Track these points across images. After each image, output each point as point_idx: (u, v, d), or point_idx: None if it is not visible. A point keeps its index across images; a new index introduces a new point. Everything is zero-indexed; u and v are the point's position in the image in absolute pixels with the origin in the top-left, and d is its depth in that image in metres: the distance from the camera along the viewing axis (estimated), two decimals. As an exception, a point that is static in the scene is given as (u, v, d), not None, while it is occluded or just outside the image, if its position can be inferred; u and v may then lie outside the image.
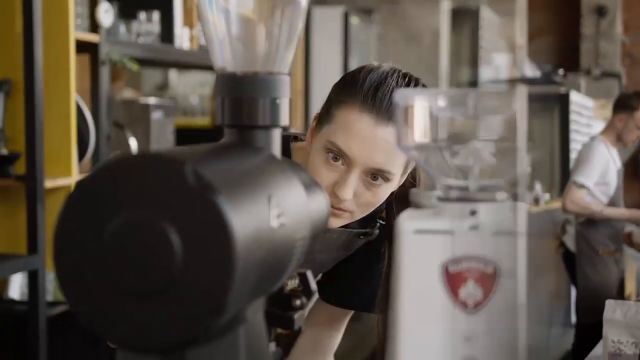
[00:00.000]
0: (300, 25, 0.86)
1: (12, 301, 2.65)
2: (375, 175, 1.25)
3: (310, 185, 0.87)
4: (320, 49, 4.99)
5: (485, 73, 5.19)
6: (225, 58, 0.83)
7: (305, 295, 0.89)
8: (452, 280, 0.68)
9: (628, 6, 9.55)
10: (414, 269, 0.69)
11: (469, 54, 7.21)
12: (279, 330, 0.90)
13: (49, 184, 2.39)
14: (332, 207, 1.26)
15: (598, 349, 2.16)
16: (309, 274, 0.87)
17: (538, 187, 6.24)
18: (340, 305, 1.52)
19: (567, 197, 4.34)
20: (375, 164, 1.24)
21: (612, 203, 4.39)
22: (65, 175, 2.46)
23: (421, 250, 0.69)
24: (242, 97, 0.81)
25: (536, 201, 5.76)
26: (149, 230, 0.61)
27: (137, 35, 2.92)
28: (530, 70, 5.52)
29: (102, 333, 0.63)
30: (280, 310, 0.86)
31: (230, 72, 0.83)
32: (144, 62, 3.17)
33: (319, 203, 0.87)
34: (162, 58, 3.12)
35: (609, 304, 2.01)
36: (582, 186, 4.27)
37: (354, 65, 6.13)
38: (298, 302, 0.87)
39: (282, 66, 0.84)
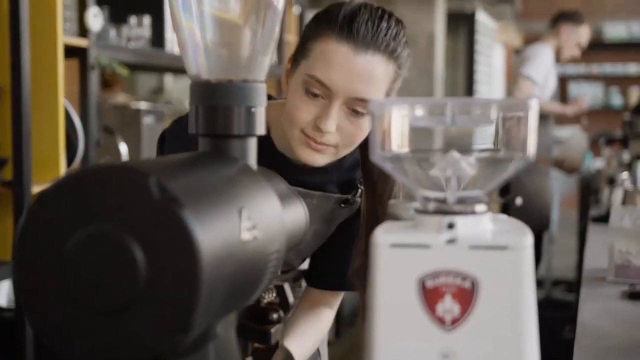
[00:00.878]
0: (277, 31, 0.84)
1: (0, 308, 2.63)
2: (357, 109, 1.24)
3: (288, 195, 0.85)
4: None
5: None
6: (199, 65, 0.81)
7: (283, 308, 0.86)
8: (429, 295, 0.66)
9: None
10: (389, 284, 0.67)
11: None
12: (256, 344, 0.88)
13: (36, 189, 2.36)
14: (315, 141, 1.25)
15: (602, 262, 1.99)
16: (286, 287, 0.85)
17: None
18: (330, 289, 1.51)
19: (516, 89, 4.40)
20: (357, 93, 1.23)
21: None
22: (54, 180, 2.43)
23: (397, 264, 0.67)
24: (216, 105, 0.79)
25: None
26: (112, 245, 0.59)
27: (128, 40, 2.90)
28: None
29: (64, 351, 0.61)
30: (256, 324, 0.84)
31: (204, 80, 0.80)
32: (134, 67, 3.14)
33: (295, 214, 0.84)
34: (153, 63, 3.10)
35: (616, 210, 1.90)
36: (531, 79, 4.34)
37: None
38: (275, 315, 0.85)
39: (258, 74, 0.82)
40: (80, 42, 2.58)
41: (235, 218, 0.66)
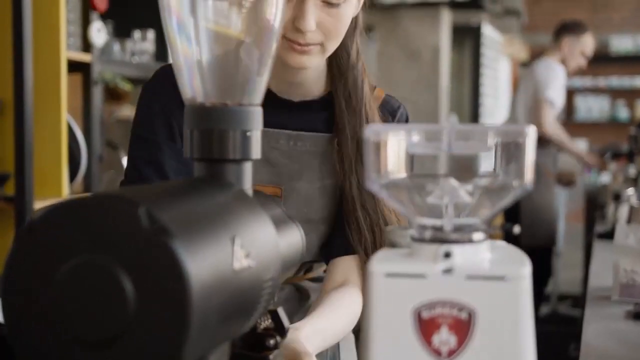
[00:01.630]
0: (274, 49, 0.83)
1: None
2: (331, 0, 1.21)
3: (283, 220, 0.84)
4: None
5: None
6: (194, 88, 0.80)
7: (279, 333, 0.85)
8: (425, 326, 0.65)
9: None
10: (385, 314, 0.66)
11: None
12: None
13: (38, 205, 2.35)
14: (299, 44, 1.22)
15: (607, 280, 1.96)
16: (281, 311, 0.84)
17: (454, 119, 6.23)
18: (350, 251, 1.34)
19: (543, 116, 4.35)
20: None
21: None
22: (56, 196, 2.42)
23: (393, 294, 0.66)
24: (211, 129, 0.78)
25: None
26: (101, 275, 0.58)
27: (132, 54, 2.89)
28: None
29: (51, 383, 0.60)
30: (253, 352, 0.82)
31: (199, 103, 0.79)
32: (138, 81, 3.14)
33: (291, 239, 0.83)
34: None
35: (621, 228, 1.87)
36: (553, 104, 4.33)
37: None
38: (272, 341, 0.83)
39: (253, 97, 0.81)
40: (84, 57, 2.58)
41: (228, 247, 0.65)
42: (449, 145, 0.68)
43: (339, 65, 1.34)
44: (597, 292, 1.96)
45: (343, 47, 1.32)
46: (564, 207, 6.05)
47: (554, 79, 4.35)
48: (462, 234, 0.67)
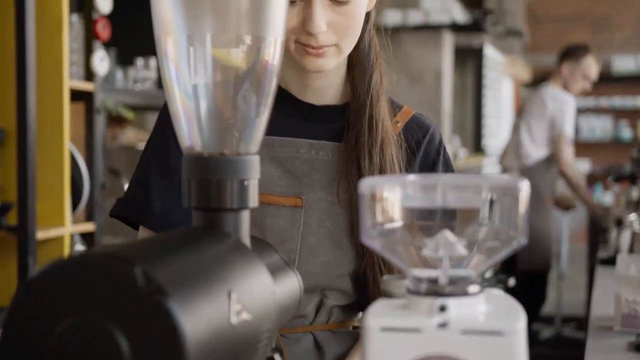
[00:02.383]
0: (272, 93, 0.84)
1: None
2: None
3: (280, 267, 0.84)
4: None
5: (413, 17, 5.16)
6: (192, 137, 0.81)
7: (277, 380, 0.85)
8: (421, 381, 0.65)
9: None
10: (381, 368, 0.66)
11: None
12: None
13: (41, 235, 2.36)
14: (313, 47, 1.17)
15: (609, 309, 1.94)
16: (277, 358, 0.84)
17: (457, 141, 6.22)
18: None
19: (563, 156, 4.38)
20: None
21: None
22: (59, 225, 2.43)
23: (388, 348, 0.66)
24: (209, 179, 0.79)
25: (454, 157, 5.77)
26: (97, 335, 0.58)
27: (134, 82, 2.91)
28: (460, 15, 5.49)
29: None
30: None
31: (197, 153, 0.80)
32: (140, 109, 3.16)
33: (288, 287, 0.84)
34: (159, 104, 3.11)
35: (622, 258, 1.87)
36: (569, 138, 4.36)
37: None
38: (269, 388, 0.84)
39: (251, 145, 0.82)
40: (87, 85, 2.59)
41: (224, 302, 0.65)
42: (443, 198, 0.68)
43: (354, 67, 1.28)
44: (599, 322, 1.96)
45: (357, 48, 1.26)
46: (567, 228, 6.04)
47: (568, 113, 4.38)
48: (457, 287, 0.68)
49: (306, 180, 1.24)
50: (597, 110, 10.00)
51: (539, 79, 10.01)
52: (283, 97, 1.28)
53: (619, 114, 9.95)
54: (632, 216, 3.13)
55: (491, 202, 0.69)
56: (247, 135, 0.81)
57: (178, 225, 1.18)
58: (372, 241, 0.69)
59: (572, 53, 4.50)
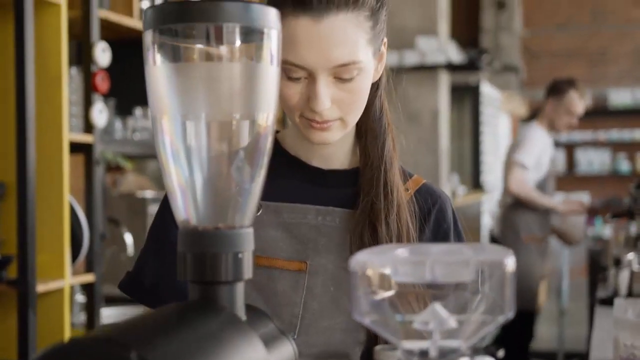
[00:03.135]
0: (264, 173, 0.86)
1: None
2: (343, 77, 1.15)
3: (275, 336, 0.85)
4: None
5: (410, 58, 5.20)
6: (187, 212, 0.83)
7: None
8: None
9: (528, 0, 9.82)
10: None
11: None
12: None
13: (41, 287, 2.37)
14: (317, 122, 1.17)
15: (608, 351, 1.94)
16: None
17: (455, 179, 6.22)
18: None
19: (511, 177, 4.37)
20: (335, 61, 1.13)
21: (539, 188, 4.47)
22: (59, 277, 2.44)
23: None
24: (204, 253, 0.80)
25: (453, 194, 5.77)
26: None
27: (133, 131, 2.94)
28: (455, 55, 5.53)
29: None
30: None
31: (192, 227, 0.82)
32: (139, 158, 3.19)
33: (283, 355, 0.85)
34: (158, 153, 3.14)
35: (619, 303, 1.86)
36: (523, 166, 4.33)
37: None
38: None
39: (245, 218, 0.83)
40: (86, 138, 2.62)
41: (219, 380, 0.66)
42: (432, 273, 0.70)
43: (366, 134, 1.28)
44: (599, 366, 1.96)
45: (367, 114, 1.26)
46: (567, 263, 6.04)
47: (529, 141, 4.41)
48: (448, 359, 0.69)
49: (312, 245, 1.24)
50: (595, 144, 10.04)
51: (536, 114, 10.06)
52: (292, 163, 1.29)
53: (616, 147, 10.00)
54: (630, 255, 3.13)
55: (480, 276, 0.71)
56: (241, 208, 0.83)
57: (169, 301, 1.20)
58: (363, 316, 0.71)
59: (555, 89, 4.54)
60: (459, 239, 1.31)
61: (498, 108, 8.15)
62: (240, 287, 0.82)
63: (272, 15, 0.81)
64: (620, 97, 9.88)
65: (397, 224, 1.22)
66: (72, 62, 2.75)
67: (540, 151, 4.43)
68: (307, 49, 1.13)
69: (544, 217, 4.48)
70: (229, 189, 0.83)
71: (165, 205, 1.29)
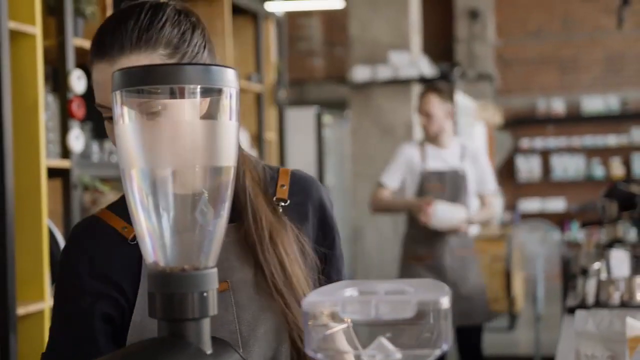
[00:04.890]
0: (225, 218, 0.93)
1: None
2: (154, 111, 1.12)
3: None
4: (296, 148, 5.11)
5: (382, 72, 5.21)
6: (156, 254, 0.90)
7: None
8: None
9: (500, 10, 9.99)
10: None
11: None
12: None
13: (21, 310, 2.43)
14: None
15: None
16: None
17: None
18: None
19: (370, 199, 4.19)
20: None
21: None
22: (38, 300, 2.50)
23: None
24: (172, 293, 0.88)
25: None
26: None
27: (110, 154, 3.01)
28: (428, 69, 5.56)
29: None
30: None
31: (160, 269, 0.89)
32: (116, 180, 3.25)
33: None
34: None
35: (580, 314, 1.92)
36: (381, 185, 4.11)
37: (329, 161, 6.30)
38: None
39: (209, 260, 0.91)
40: (63, 163, 2.68)
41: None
42: (377, 311, 0.78)
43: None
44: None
45: None
46: (542, 270, 6.15)
47: (392, 162, 4.16)
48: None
49: (226, 264, 1.27)
50: (570, 150, 10.20)
51: (511, 122, 10.26)
52: None
53: (590, 152, 10.16)
54: (597, 264, 3.21)
55: (420, 313, 0.79)
56: (205, 249, 0.91)
57: None
58: (316, 351, 0.79)
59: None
60: (332, 227, 1.36)
61: (473, 117, 8.26)
62: (206, 323, 0.89)
63: (230, 75, 0.88)
64: (593, 103, 10.04)
65: (273, 248, 1.27)
66: (48, 90, 2.81)
67: (404, 168, 4.12)
68: (104, 90, 1.19)
69: (423, 234, 4.11)
70: (193, 232, 0.91)
71: (68, 271, 1.28)
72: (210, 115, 0.89)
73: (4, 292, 2.38)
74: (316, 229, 1.35)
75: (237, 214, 1.29)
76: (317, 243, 1.34)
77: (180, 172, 0.88)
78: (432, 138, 4.10)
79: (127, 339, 1.25)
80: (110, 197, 3.90)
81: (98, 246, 1.26)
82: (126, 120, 0.88)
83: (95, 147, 2.97)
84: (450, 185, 4.07)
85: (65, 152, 2.68)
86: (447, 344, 0.78)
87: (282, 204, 1.31)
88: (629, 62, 9.97)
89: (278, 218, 1.29)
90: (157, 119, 1.00)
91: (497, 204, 4.18)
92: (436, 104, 4.01)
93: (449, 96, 4.09)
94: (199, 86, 0.87)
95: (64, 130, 2.68)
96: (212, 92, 0.89)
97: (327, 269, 1.35)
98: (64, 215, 2.68)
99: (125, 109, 0.88)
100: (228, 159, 0.90)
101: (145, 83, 0.87)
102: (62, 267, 1.29)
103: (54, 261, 2.58)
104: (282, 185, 1.34)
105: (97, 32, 1.22)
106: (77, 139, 2.68)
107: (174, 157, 0.88)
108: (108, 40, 1.18)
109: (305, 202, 1.34)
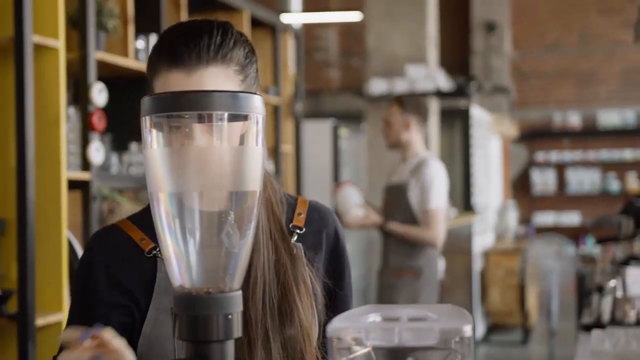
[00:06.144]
0: (250, 240, 0.94)
1: None
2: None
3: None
4: (312, 160, 5.12)
5: (400, 85, 5.22)
6: (182, 277, 0.92)
7: None
8: None
9: (517, 22, 9.96)
10: None
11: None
12: None
13: (40, 321, 2.45)
14: None
15: None
16: None
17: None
18: None
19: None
20: None
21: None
22: (57, 311, 2.52)
23: None
24: (197, 315, 0.89)
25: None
26: None
27: (128, 166, 3.03)
28: (444, 82, 5.56)
29: None
30: None
31: (186, 291, 0.91)
32: (135, 192, 3.28)
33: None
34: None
35: (596, 334, 1.93)
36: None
37: (344, 173, 6.31)
38: None
39: (233, 283, 0.92)
40: (83, 175, 2.71)
41: None
42: (400, 339, 0.79)
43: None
44: (581, 395, 2.04)
45: None
46: (557, 284, 6.13)
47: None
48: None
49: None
50: (585, 164, 10.16)
51: (527, 135, 10.24)
52: None
53: (606, 166, 10.12)
54: (613, 282, 3.20)
55: (443, 340, 0.80)
56: (230, 272, 0.92)
57: None
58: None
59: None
60: (343, 258, 1.37)
61: (488, 130, 8.26)
62: (230, 345, 0.91)
63: (257, 102, 0.90)
64: (609, 117, 10.01)
65: (277, 275, 1.27)
66: (69, 102, 2.84)
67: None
68: None
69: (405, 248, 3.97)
70: (219, 255, 0.92)
71: (85, 275, 1.29)
72: (237, 141, 0.91)
73: (24, 302, 2.40)
74: (327, 261, 1.36)
75: None
76: (327, 276, 1.34)
77: (207, 196, 0.90)
78: (390, 147, 4.09)
79: (137, 348, 1.26)
80: (127, 207, 3.93)
81: (114, 255, 1.28)
82: (154, 145, 0.90)
83: (114, 159, 3.00)
84: (391, 198, 4.00)
85: (86, 164, 2.71)
86: (470, 373, 0.79)
87: (298, 231, 1.32)
88: (646, 77, 9.94)
89: (288, 245, 1.30)
90: (184, 144, 1.01)
91: (437, 226, 3.82)
92: (395, 113, 3.99)
93: (412, 110, 4.02)
94: (226, 112, 0.89)
95: (85, 143, 2.71)
96: (239, 118, 0.90)
97: (334, 305, 1.34)
98: (83, 226, 2.71)
99: (154, 134, 0.90)
100: (254, 184, 0.91)
101: (174, 109, 0.89)
102: (78, 274, 1.31)
103: (73, 272, 2.60)
104: (299, 214, 1.35)
105: (164, 42, 1.24)
106: (97, 151, 2.71)
107: (201, 181, 0.90)
108: (184, 50, 1.21)
109: (320, 232, 1.36)
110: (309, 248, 1.33)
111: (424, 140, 4.09)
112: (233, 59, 1.23)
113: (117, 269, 1.27)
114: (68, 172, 2.60)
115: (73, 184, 2.68)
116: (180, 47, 1.21)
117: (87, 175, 2.71)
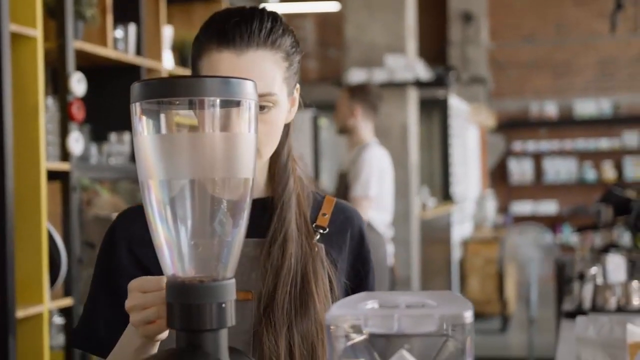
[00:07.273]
0: (244, 229, 0.93)
1: None
2: (260, 105, 1.20)
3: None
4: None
5: (379, 75, 5.25)
6: (174, 266, 0.90)
7: None
8: None
9: (494, 14, 10.02)
10: None
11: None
12: None
13: (20, 313, 2.42)
14: None
15: None
16: None
17: (426, 191, 6.31)
18: None
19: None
20: None
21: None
22: (37, 303, 2.49)
23: None
24: (190, 304, 0.88)
25: (424, 207, 5.74)
26: None
27: (108, 156, 3.00)
28: (423, 72, 5.59)
29: None
30: None
31: (179, 281, 0.89)
32: (114, 183, 3.25)
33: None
34: (133, 177, 3.20)
35: (581, 320, 1.93)
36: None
37: (325, 164, 6.31)
38: None
39: (227, 271, 0.91)
40: (63, 166, 2.67)
41: None
42: (399, 325, 0.78)
43: (272, 169, 1.34)
44: (562, 383, 2.04)
45: (276, 156, 1.32)
46: (536, 274, 6.16)
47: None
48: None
49: (254, 275, 1.27)
50: (562, 153, 10.22)
51: (504, 124, 10.29)
52: None
53: (582, 156, 10.19)
54: (594, 269, 3.22)
55: (443, 327, 0.79)
56: (223, 261, 0.91)
57: None
58: (337, 364, 0.79)
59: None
60: (367, 259, 1.37)
61: (466, 120, 8.28)
62: (224, 334, 0.90)
63: (249, 87, 0.89)
64: (585, 107, 10.07)
65: (278, 255, 1.27)
66: (48, 92, 2.81)
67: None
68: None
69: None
70: (212, 243, 0.91)
71: (108, 249, 1.30)
72: (229, 127, 0.90)
73: (4, 294, 2.37)
74: (351, 262, 1.36)
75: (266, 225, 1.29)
76: (349, 279, 1.34)
77: (197, 183, 0.89)
78: (339, 132, 4.17)
79: None
80: (105, 198, 3.89)
81: (135, 231, 1.27)
82: (145, 132, 0.88)
83: (93, 149, 2.96)
84: (338, 186, 4.11)
85: (65, 155, 2.68)
86: (471, 358, 0.78)
87: (321, 231, 1.32)
88: (622, 67, 10.01)
89: (310, 241, 1.29)
90: (175, 131, 1.00)
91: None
92: (343, 100, 4.08)
93: (359, 98, 4.08)
94: (218, 98, 0.87)
95: (64, 133, 2.68)
96: (231, 104, 0.89)
97: None
98: (62, 217, 2.67)
99: (145, 121, 0.88)
100: (247, 171, 0.90)
101: (165, 95, 0.87)
102: (102, 249, 1.31)
103: (54, 264, 2.57)
104: (324, 214, 1.35)
105: (215, 23, 1.25)
106: (76, 141, 2.67)
107: (192, 168, 0.88)
108: (236, 31, 1.22)
109: (344, 232, 1.35)
110: (332, 248, 1.33)
111: (372, 128, 4.12)
112: (281, 46, 1.26)
113: (137, 246, 1.28)
114: (47, 162, 2.57)
115: (52, 175, 2.65)
116: (233, 28, 1.22)
117: (67, 166, 2.67)
